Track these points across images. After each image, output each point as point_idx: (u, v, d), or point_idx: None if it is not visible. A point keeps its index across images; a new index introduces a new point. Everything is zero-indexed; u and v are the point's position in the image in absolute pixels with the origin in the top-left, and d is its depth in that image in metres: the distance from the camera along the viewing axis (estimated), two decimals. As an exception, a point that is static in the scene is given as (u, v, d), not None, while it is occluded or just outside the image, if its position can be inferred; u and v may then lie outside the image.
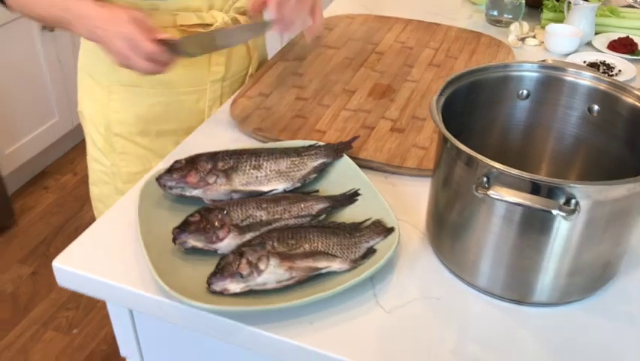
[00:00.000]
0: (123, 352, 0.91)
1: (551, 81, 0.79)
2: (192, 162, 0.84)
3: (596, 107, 0.79)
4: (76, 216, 2.33)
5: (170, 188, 0.82)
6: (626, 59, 1.27)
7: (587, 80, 0.77)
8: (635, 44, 1.31)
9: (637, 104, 0.72)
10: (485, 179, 0.66)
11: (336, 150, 0.91)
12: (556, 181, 0.63)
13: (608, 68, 1.24)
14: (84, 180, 2.50)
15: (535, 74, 0.79)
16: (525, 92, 0.83)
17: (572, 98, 0.78)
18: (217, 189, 0.83)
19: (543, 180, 0.63)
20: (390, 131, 1.00)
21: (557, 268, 0.71)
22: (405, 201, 0.89)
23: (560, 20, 1.38)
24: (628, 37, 1.33)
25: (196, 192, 0.83)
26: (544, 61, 0.83)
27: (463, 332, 0.71)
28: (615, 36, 1.34)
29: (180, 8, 1.04)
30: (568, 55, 1.30)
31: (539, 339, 0.70)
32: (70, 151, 2.65)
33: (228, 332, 0.72)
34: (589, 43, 1.35)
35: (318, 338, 0.69)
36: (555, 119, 0.80)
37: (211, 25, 1.07)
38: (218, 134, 1.03)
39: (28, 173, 2.48)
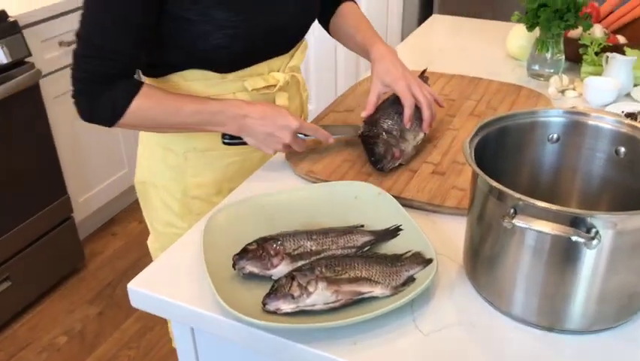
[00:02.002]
0: (184, 374, 0.99)
1: (576, 125, 0.86)
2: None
3: (622, 149, 0.86)
4: (141, 261, 2.47)
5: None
6: (664, 109, 1.32)
7: (609, 123, 0.84)
8: (675, 95, 1.36)
9: (655, 144, 0.79)
10: (512, 210, 0.73)
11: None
12: (577, 211, 0.69)
13: (646, 117, 1.29)
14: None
15: (560, 120, 0.87)
16: (555, 135, 0.90)
17: (596, 140, 0.85)
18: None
19: (564, 210, 0.70)
20: (432, 174, 1.08)
21: (586, 297, 0.76)
22: (444, 237, 0.96)
23: (599, 73, 1.44)
24: (667, 88, 1.38)
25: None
26: (573, 107, 0.90)
27: (496, 356, 0.77)
28: (654, 88, 1.40)
29: (246, 75, 1.15)
30: (606, 105, 1.36)
31: (569, 364, 0.75)
32: (137, 200, 2.82)
33: (279, 349, 0.80)
34: (628, 95, 1.40)
35: (361, 357, 0.76)
36: (581, 161, 0.87)
37: (274, 85, 1.18)
38: (274, 176, 1.13)
39: (98, 220, 2.66)
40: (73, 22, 2.16)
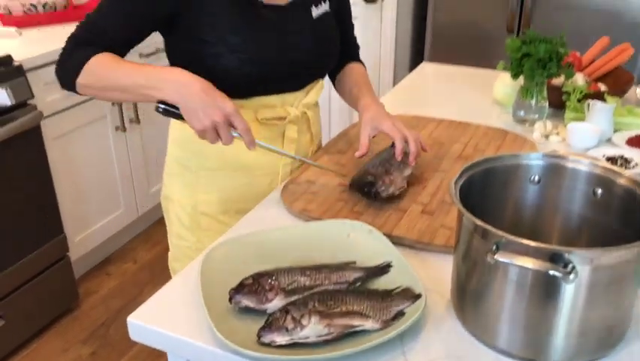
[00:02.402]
0: (179, 408, 1.01)
1: (556, 168, 0.91)
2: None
3: (599, 190, 0.91)
4: (135, 300, 2.48)
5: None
6: (643, 153, 1.38)
7: (586, 166, 0.89)
8: (653, 140, 1.42)
9: (629, 185, 0.84)
10: (495, 247, 0.77)
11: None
12: (555, 248, 0.74)
13: (626, 161, 1.35)
14: (143, 268, 2.69)
15: (541, 162, 0.92)
16: (537, 177, 0.95)
17: (574, 182, 0.90)
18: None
19: (543, 246, 0.74)
20: (421, 214, 1.13)
21: (566, 330, 0.79)
22: (433, 274, 1.00)
23: (581, 119, 1.51)
24: (646, 133, 1.44)
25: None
26: (553, 151, 0.96)
27: (482, 387, 0.80)
28: (633, 133, 1.46)
29: (259, 106, 1.24)
30: (588, 150, 1.42)
31: (552, 395, 0.78)
32: (132, 240, 2.86)
33: (274, 381, 0.83)
34: (609, 140, 1.47)
35: (352, 388, 0.79)
36: (561, 201, 0.92)
37: (284, 118, 1.26)
38: (270, 214, 1.18)
39: (93, 259, 2.68)
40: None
